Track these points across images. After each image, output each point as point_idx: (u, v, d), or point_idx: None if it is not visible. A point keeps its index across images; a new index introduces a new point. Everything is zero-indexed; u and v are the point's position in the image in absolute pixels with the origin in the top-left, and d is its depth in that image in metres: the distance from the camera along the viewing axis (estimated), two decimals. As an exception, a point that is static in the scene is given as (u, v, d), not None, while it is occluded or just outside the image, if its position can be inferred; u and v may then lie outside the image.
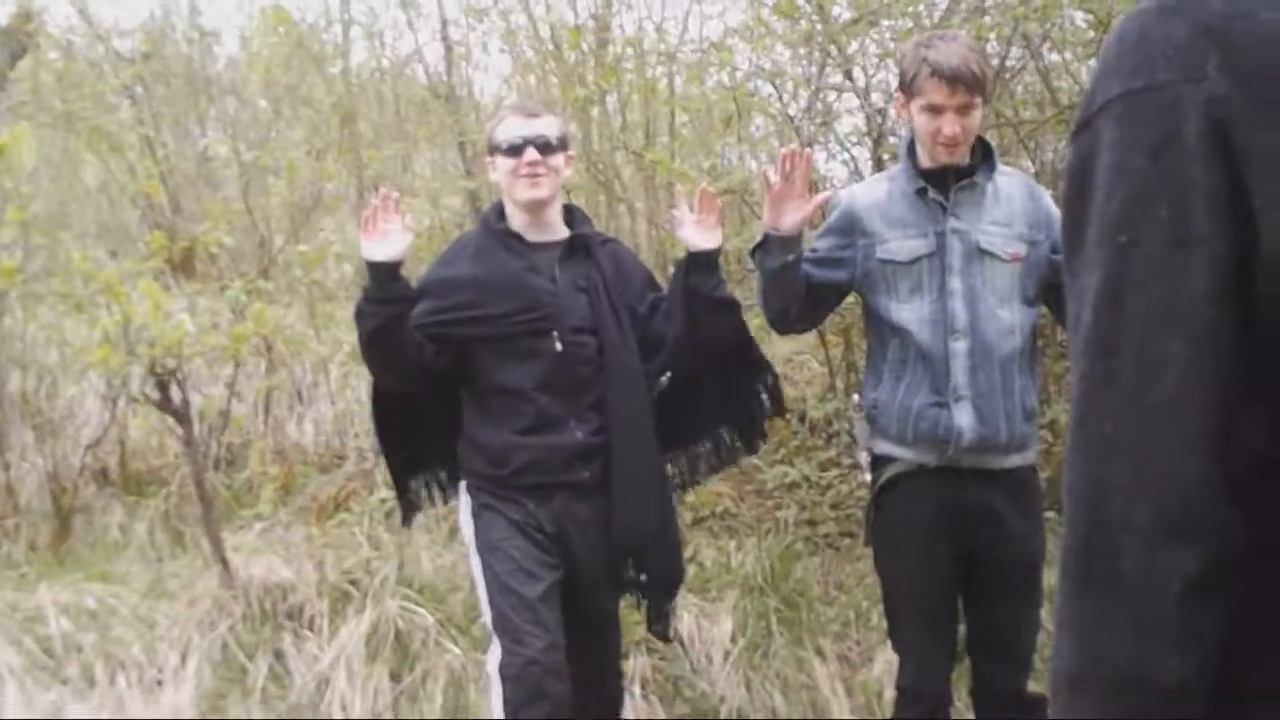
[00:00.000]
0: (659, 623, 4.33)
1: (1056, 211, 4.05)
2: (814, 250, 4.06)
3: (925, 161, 3.95)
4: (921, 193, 3.94)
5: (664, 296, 4.23)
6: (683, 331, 4.09)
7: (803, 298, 4.02)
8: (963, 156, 3.93)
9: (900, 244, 3.95)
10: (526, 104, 4.33)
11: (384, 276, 3.91)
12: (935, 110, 3.84)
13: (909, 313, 3.94)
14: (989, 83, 3.90)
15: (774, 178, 3.86)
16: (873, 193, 4.10)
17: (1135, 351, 1.14)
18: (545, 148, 4.02)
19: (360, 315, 3.98)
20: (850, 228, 4.03)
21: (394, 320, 3.90)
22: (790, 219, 3.87)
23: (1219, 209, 1.13)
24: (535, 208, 4.07)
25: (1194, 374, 1.13)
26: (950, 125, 3.83)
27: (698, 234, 4.05)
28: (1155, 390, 1.14)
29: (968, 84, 3.79)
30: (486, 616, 4.04)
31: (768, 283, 4.02)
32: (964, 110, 3.82)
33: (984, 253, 3.90)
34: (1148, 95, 1.17)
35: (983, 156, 3.99)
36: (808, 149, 3.99)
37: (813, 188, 7.54)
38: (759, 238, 4.00)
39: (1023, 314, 3.97)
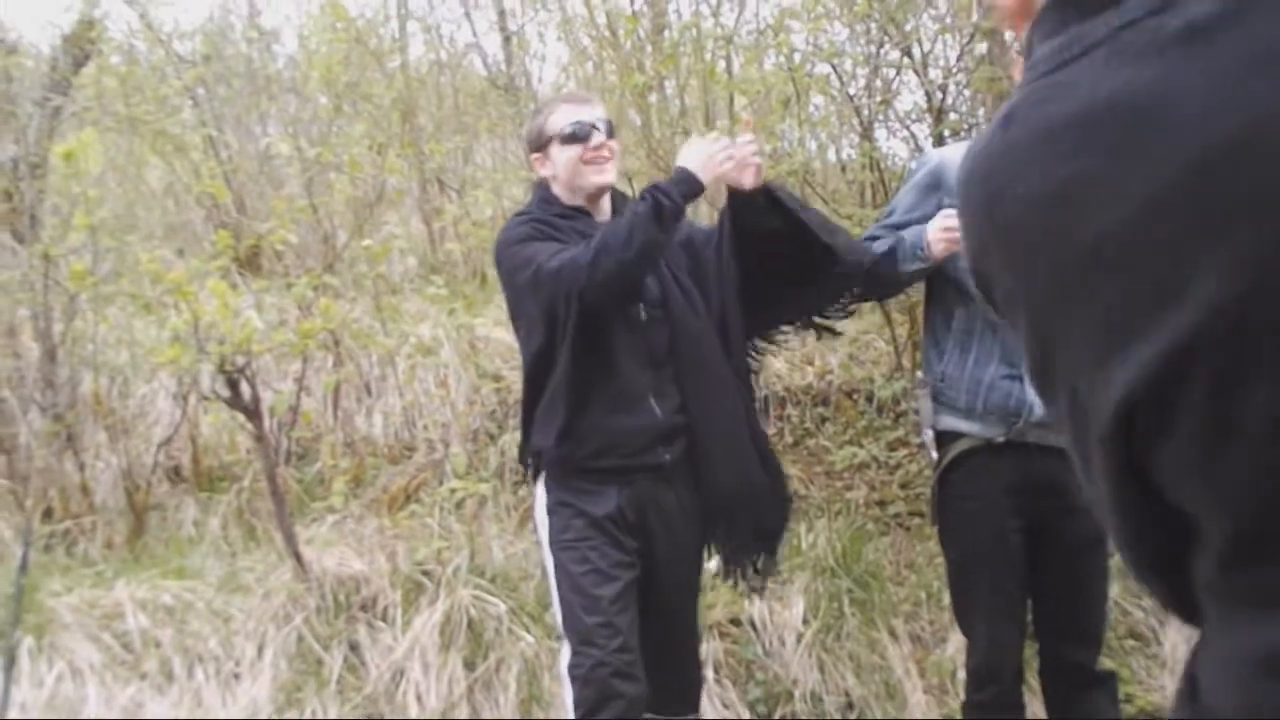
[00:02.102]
0: (751, 585, 4.26)
1: None
2: (890, 211, 4.04)
3: None
4: None
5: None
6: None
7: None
8: None
9: None
10: (575, 93, 4.26)
11: (692, 187, 3.82)
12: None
13: None
14: None
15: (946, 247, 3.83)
16: (960, 155, 4.05)
17: None
18: (604, 132, 3.98)
19: (666, 212, 3.74)
20: (935, 184, 3.96)
21: (670, 239, 3.85)
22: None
23: None
24: (600, 193, 4.03)
25: None
26: None
27: (738, 174, 3.93)
28: None
29: None
30: (558, 616, 3.99)
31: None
32: None
33: None
34: None
35: None
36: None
37: (874, 165, 7.56)
38: (920, 265, 3.94)
39: None
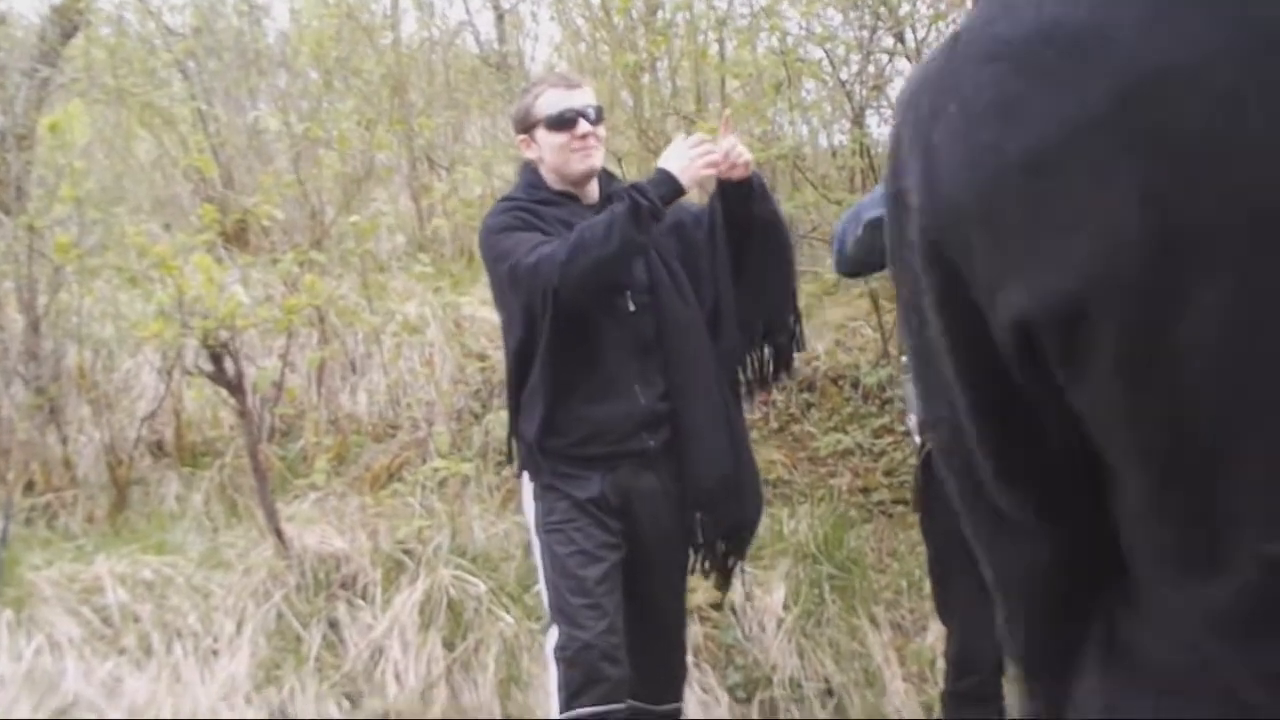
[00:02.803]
0: (721, 576, 4.28)
1: None
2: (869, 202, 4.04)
3: None
4: None
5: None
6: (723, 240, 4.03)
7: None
8: None
9: None
10: (564, 75, 4.20)
11: (673, 187, 3.82)
12: None
13: None
14: None
15: None
16: None
17: None
18: (591, 118, 3.95)
19: (643, 212, 3.72)
20: None
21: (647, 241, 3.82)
22: None
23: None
24: (587, 178, 4.01)
25: None
26: None
27: (726, 171, 3.91)
28: None
29: None
30: (545, 599, 3.99)
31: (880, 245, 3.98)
32: None
33: None
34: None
35: None
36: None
37: (864, 151, 7.55)
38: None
39: None
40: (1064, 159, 1.01)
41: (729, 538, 4.13)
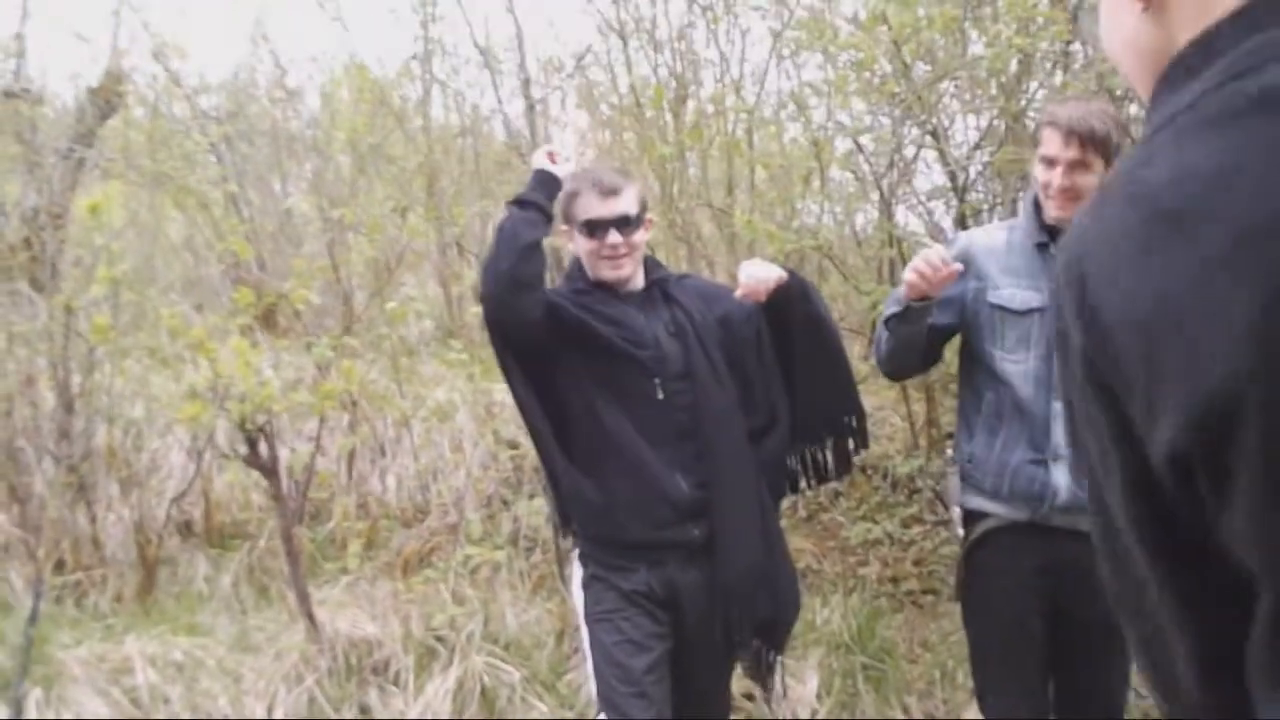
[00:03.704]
0: (760, 670, 4.24)
1: None
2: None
3: (1047, 217, 3.93)
4: (1042, 247, 3.90)
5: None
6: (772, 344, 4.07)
7: (923, 349, 4.01)
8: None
9: (1014, 292, 3.91)
10: (604, 178, 4.12)
11: (550, 186, 3.95)
12: (1049, 162, 3.84)
13: (1013, 365, 3.91)
14: (1111, 145, 3.84)
15: (912, 277, 3.83)
16: (991, 239, 4.07)
17: None
18: (625, 227, 3.93)
19: (520, 220, 3.85)
20: (964, 269, 3.99)
21: (543, 234, 3.88)
22: (939, 289, 3.85)
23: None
24: (618, 285, 4.02)
25: None
26: (1061, 178, 3.81)
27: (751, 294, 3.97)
28: None
29: (1082, 138, 3.76)
30: (592, 688, 3.96)
31: (902, 344, 3.99)
32: (1077, 166, 3.78)
33: None
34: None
35: None
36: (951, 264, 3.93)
37: (893, 241, 7.59)
38: (895, 308, 3.96)
39: None
40: (1191, 300, 1.07)
41: (763, 633, 4.11)
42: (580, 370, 3.90)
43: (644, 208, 4.04)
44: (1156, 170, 1.14)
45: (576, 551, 4.10)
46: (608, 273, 3.95)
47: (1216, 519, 1.11)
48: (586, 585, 4.01)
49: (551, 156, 4.00)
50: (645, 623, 3.89)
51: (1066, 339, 1.23)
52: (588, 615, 3.97)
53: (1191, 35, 1.20)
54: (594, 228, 3.91)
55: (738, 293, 3.91)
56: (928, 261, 3.77)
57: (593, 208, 3.93)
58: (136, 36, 11.02)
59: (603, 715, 3.86)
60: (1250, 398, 1.03)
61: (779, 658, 4.22)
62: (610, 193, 3.94)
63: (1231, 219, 1.05)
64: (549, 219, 3.92)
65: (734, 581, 3.93)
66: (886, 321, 4.02)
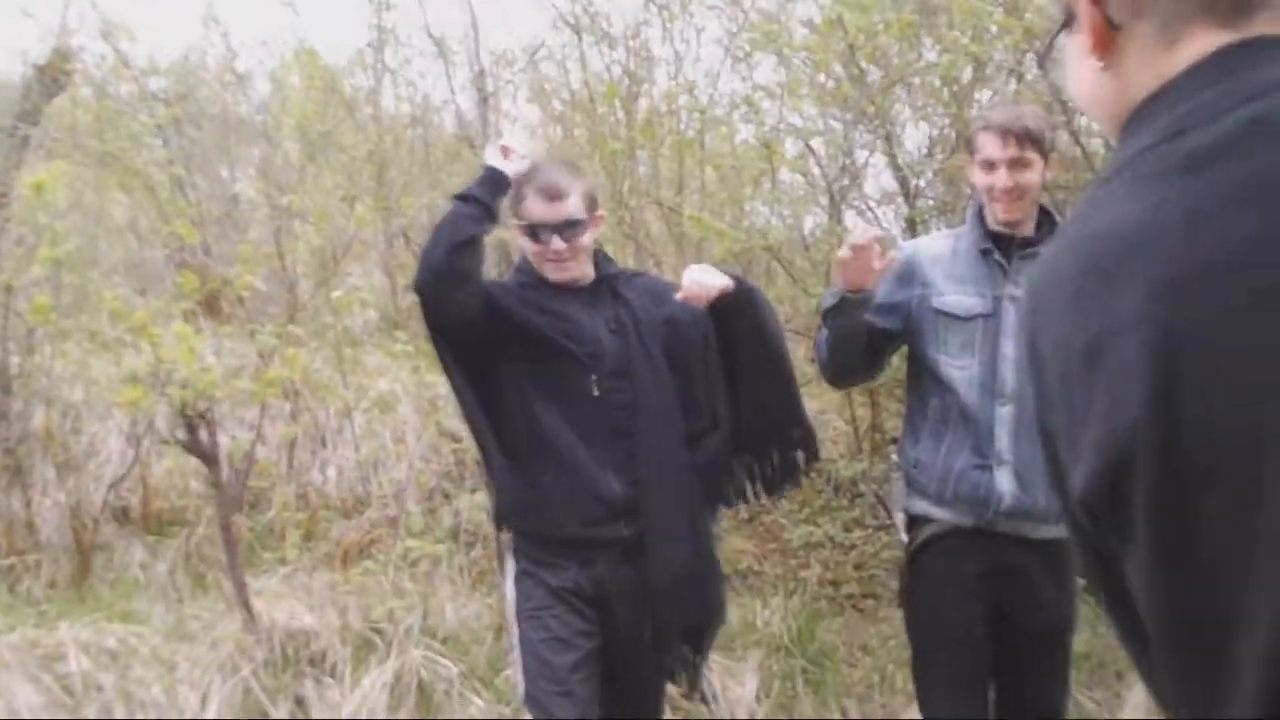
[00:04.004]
0: (685, 676, 4.23)
1: None
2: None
3: (992, 223, 3.96)
4: (986, 253, 3.94)
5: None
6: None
7: (864, 351, 4.01)
8: (1025, 220, 3.92)
9: (957, 299, 3.94)
10: (550, 180, 4.06)
11: (498, 185, 3.90)
12: (989, 165, 3.88)
13: (957, 371, 3.93)
14: (1046, 141, 3.88)
15: (848, 251, 3.85)
16: (936, 246, 4.11)
17: None
18: (570, 230, 3.90)
19: (461, 214, 3.84)
20: (910, 276, 4.02)
21: (483, 231, 3.85)
22: (870, 280, 3.86)
23: None
24: (564, 286, 4.00)
25: None
26: (1003, 179, 3.85)
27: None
28: None
29: (1019, 137, 3.82)
30: (520, 684, 3.95)
31: (840, 340, 4.00)
32: (1017, 164, 3.84)
33: None
34: None
35: (1049, 229, 3.98)
36: (876, 232, 3.96)
37: (841, 245, 7.59)
38: (831, 300, 3.98)
39: None
40: (1104, 352, 1.13)
41: (689, 637, 4.10)
42: (517, 364, 3.89)
43: (593, 206, 4.01)
44: (1097, 220, 1.20)
45: (512, 546, 4.08)
46: (553, 275, 3.94)
47: (1124, 565, 1.17)
48: (517, 581, 4.00)
49: (505, 152, 3.93)
50: (573, 620, 3.88)
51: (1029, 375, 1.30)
52: (518, 612, 3.97)
53: (1146, 92, 1.26)
54: (538, 231, 3.89)
55: (678, 295, 3.89)
56: (855, 239, 3.80)
57: (537, 211, 3.90)
58: (85, 15, 10.90)
59: (528, 714, 3.85)
60: (1145, 446, 1.09)
61: (703, 662, 4.22)
62: (555, 197, 3.90)
63: (1146, 275, 1.11)
64: (492, 217, 3.88)
65: (663, 582, 3.91)
66: (824, 315, 4.04)
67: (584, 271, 4.02)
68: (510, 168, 3.90)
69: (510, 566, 4.06)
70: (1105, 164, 1.33)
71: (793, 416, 4.18)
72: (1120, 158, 1.25)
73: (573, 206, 3.91)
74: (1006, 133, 3.85)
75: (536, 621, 3.89)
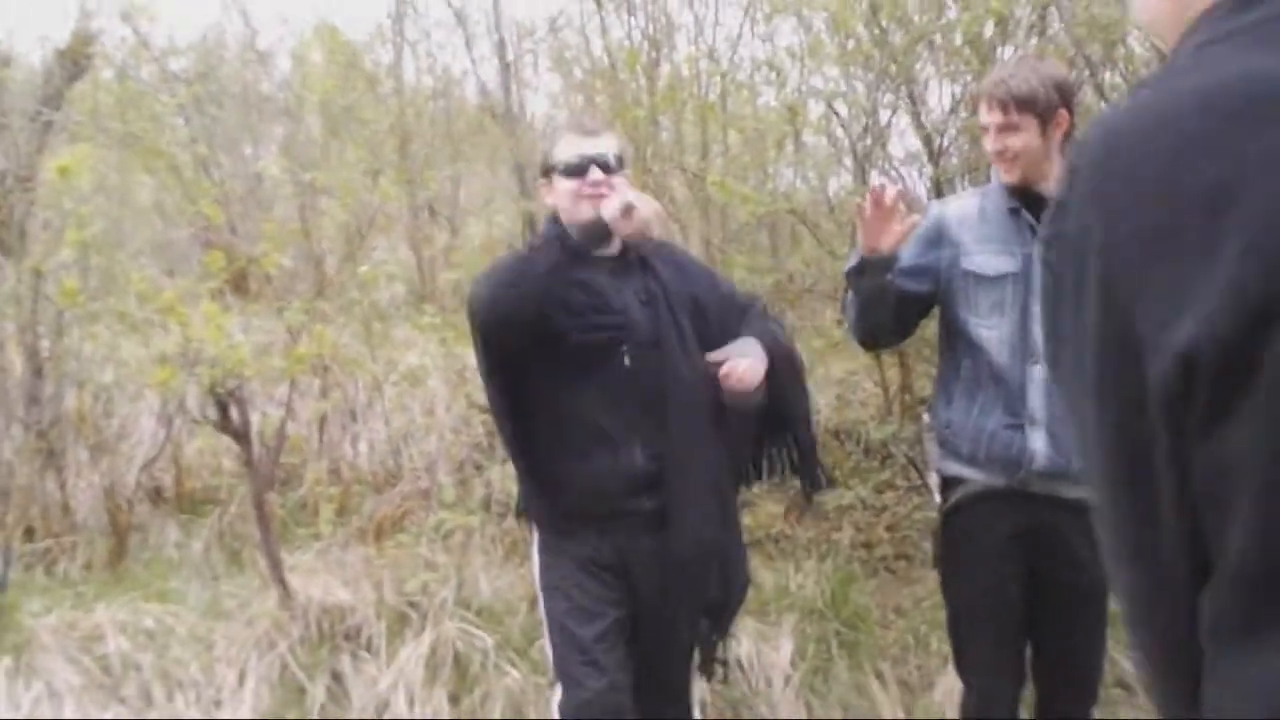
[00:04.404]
0: (706, 655, 4.22)
1: None
2: (899, 261, 4.05)
3: (1004, 182, 3.95)
4: (1014, 212, 3.92)
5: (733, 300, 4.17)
6: None
7: (892, 312, 4.01)
8: (1043, 177, 3.90)
9: (986, 259, 3.93)
10: (584, 121, 4.09)
11: (599, 238, 3.81)
12: (985, 130, 3.90)
13: (988, 331, 3.92)
14: (1040, 101, 3.85)
15: (868, 206, 3.86)
16: (963, 206, 4.10)
17: None
18: (607, 166, 3.86)
19: (551, 263, 3.73)
20: (938, 237, 4.02)
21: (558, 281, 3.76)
22: (888, 241, 3.86)
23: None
24: None
25: None
26: (993, 142, 3.87)
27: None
28: None
29: (1003, 102, 3.82)
30: (548, 655, 3.97)
31: (864, 303, 4.00)
32: (1004, 129, 3.84)
33: None
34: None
35: None
36: (896, 183, 3.97)
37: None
38: (854, 261, 3.98)
39: None
40: (1238, 193, 1.08)
41: (710, 614, 4.09)
42: (549, 338, 3.83)
43: (623, 159, 3.99)
44: (1215, 72, 1.16)
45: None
46: (590, 213, 3.82)
47: (1209, 435, 1.11)
48: (541, 551, 4.00)
49: (627, 210, 3.72)
50: (597, 589, 3.88)
51: (1067, 240, 1.23)
52: (541, 582, 3.97)
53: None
54: (574, 168, 3.87)
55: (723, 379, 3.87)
56: (875, 188, 3.87)
57: (573, 147, 3.90)
58: (104, -1, 10.90)
59: (558, 684, 3.85)
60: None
61: (721, 639, 4.20)
62: (589, 133, 3.94)
63: None
64: (571, 264, 3.78)
65: (685, 554, 3.90)
66: (847, 276, 4.05)
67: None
68: (623, 227, 3.76)
69: (535, 538, 4.07)
70: (1176, 53, 1.27)
71: (804, 425, 4.23)
72: (1217, 29, 1.21)
73: (608, 145, 3.93)
74: (991, 98, 3.87)
75: (560, 592, 3.90)
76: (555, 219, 3.99)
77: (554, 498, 3.92)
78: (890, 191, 3.85)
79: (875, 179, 7.56)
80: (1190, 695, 1.20)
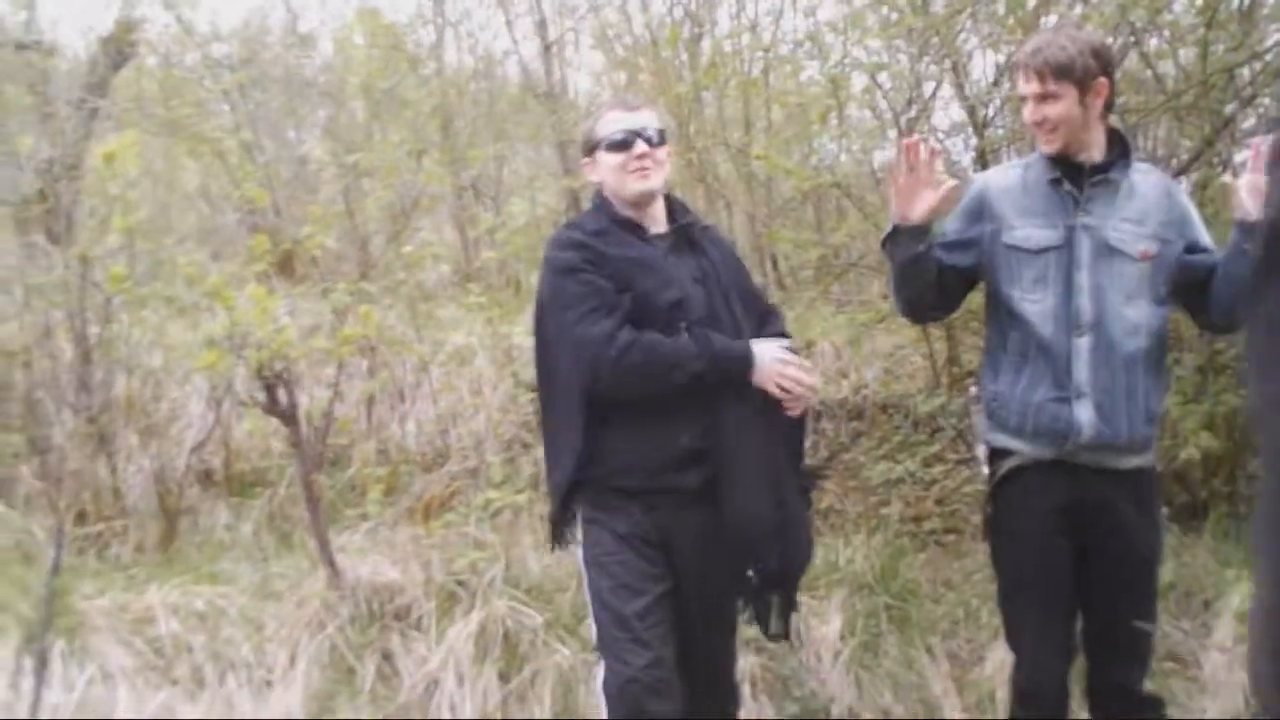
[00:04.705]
0: (775, 625, 4.18)
1: (1192, 211, 4.02)
2: (943, 235, 4.02)
3: (1044, 151, 3.92)
4: (1056, 183, 3.90)
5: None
6: None
7: (934, 286, 3.98)
8: (1083, 147, 3.87)
9: (1028, 232, 3.90)
10: (625, 98, 4.17)
11: (744, 365, 3.88)
12: (1023, 100, 3.87)
13: (1031, 304, 3.89)
14: (1077, 68, 3.81)
15: (900, 170, 3.84)
16: (1006, 178, 4.06)
17: None
18: (650, 140, 3.90)
19: (691, 361, 3.81)
20: (980, 211, 4.00)
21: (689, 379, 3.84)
22: (919, 209, 3.84)
23: None
24: (646, 200, 3.94)
25: None
26: (1031, 112, 3.85)
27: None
28: None
29: (1039, 71, 3.81)
30: (593, 631, 3.95)
31: (899, 273, 3.99)
32: (1042, 99, 3.81)
33: (1113, 250, 3.85)
34: None
35: (1120, 152, 3.93)
36: (931, 141, 3.95)
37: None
38: (888, 229, 3.96)
39: (1151, 313, 3.90)
40: None
41: (774, 583, 4.07)
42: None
43: (664, 133, 4.02)
44: None
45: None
46: (635, 186, 3.89)
47: None
48: (585, 527, 3.97)
49: (786, 382, 3.89)
50: (641, 565, 3.86)
51: None
52: (585, 558, 3.95)
53: None
54: (619, 143, 3.90)
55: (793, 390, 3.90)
56: (906, 145, 3.88)
57: (617, 121, 3.94)
58: (147, -14, 10.95)
59: (602, 659, 3.84)
60: None
61: (791, 608, 4.16)
62: (632, 108, 4.00)
63: None
64: (703, 378, 3.82)
65: (733, 532, 3.87)
66: (882, 245, 4.06)
67: (662, 187, 4.01)
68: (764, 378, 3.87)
69: (580, 514, 4.02)
70: None
71: None
72: None
73: (649, 118, 3.98)
74: (1027, 68, 3.85)
75: (603, 569, 3.88)
76: (600, 196, 4.02)
77: (595, 469, 3.91)
78: (923, 149, 3.83)
79: (922, 150, 7.54)
80: None
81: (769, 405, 3.93)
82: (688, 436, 3.84)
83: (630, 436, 3.85)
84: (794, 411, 3.94)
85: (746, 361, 3.83)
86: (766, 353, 3.86)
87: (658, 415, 3.83)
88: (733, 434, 3.87)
